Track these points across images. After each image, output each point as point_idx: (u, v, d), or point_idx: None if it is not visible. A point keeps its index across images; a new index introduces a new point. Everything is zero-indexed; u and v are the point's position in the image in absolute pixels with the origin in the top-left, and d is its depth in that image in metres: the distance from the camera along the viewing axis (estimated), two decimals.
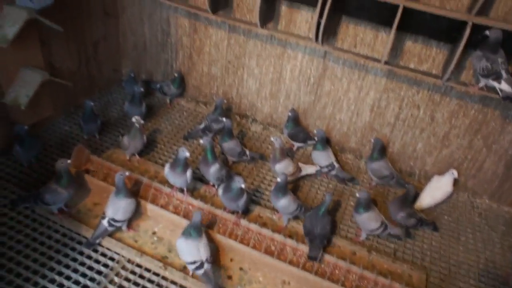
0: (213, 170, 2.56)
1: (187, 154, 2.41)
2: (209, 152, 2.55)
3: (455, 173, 2.88)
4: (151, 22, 3.44)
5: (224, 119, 3.09)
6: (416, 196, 2.83)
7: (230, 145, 2.93)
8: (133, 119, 2.77)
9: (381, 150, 2.92)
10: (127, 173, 2.35)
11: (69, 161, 2.31)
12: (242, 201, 2.40)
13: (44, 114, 3.02)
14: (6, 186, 2.56)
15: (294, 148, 3.26)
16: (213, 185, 2.70)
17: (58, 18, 2.73)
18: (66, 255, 2.22)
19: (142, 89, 3.15)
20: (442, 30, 2.44)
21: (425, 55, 2.72)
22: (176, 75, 3.46)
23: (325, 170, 2.96)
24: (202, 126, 3.20)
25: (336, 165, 2.96)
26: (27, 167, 2.73)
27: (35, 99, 2.73)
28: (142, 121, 2.82)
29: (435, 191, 2.90)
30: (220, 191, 2.46)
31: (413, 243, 2.63)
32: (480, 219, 2.92)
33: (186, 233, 2.13)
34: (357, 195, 2.47)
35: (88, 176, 2.63)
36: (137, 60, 3.74)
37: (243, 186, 2.32)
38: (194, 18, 3.24)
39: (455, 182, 2.95)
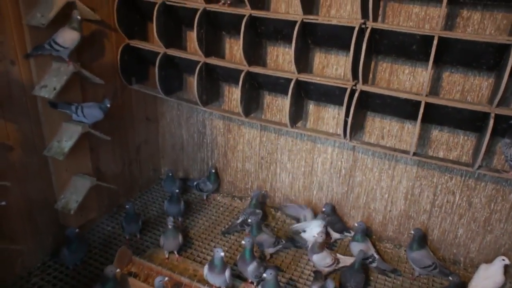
0: (251, 268, 2.57)
1: (222, 254, 2.47)
2: (248, 252, 2.59)
3: (505, 260, 2.75)
4: (188, 125, 3.73)
5: (260, 211, 3.19)
6: (462, 286, 2.70)
7: (262, 238, 2.98)
8: (167, 221, 2.88)
9: (421, 240, 2.86)
10: (166, 278, 2.39)
11: (118, 270, 2.39)
12: None
13: (89, 216, 3.21)
14: None
15: (332, 240, 3.24)
16: (252, 282, 2.69)
17: (106, 128, 3.04)
18: None
19: (178, 190, 3.32)
20: (466, 120, 2.53)
21: (453, 142, 2.80)
22: (212, 171, 3.63)
23: (365, 262, 2.90)
24: (239, 220, 3.29)
25: (377, 256, 2.91)
26: (72, 270, 2.82)
27: (82, 203, 2.93)
28: (173, 223, 2.87)
29: (484, 281, 2.75)
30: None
31: None
32: None
33: None
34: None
35: (131, 279, 2.68)
36: (175, 159, 3.98)
37: (265, 275, 2.35)
38: (228, 119, 3.50)
39: (506, 270, 2.81)
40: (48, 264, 2.87)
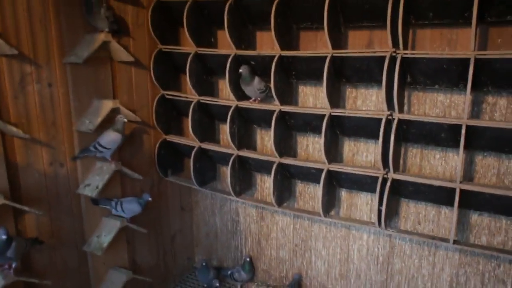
0: None
1: None
2: None
3: None
4: (222, 214, 3.78)
5: None
6: None
7: None
8: None
9: None
10: None
11: None
12: None
13: None
14: None
15: None
16: None
17: (142, 220, 3.13)
18: None
19: (218, 284, 3.29)
20: (506, 206, 2.47)
21: (495, 227, 2.69)
22: (246, 260, 3.59)
23: None
24: None
25: None
26: None
27: None
28: None
29: None
30: None
31: None
32: None
33: None
34: None
35: None
36: (209, 247, 3.98)
37: None
38: (261, 207, 3.54)
39: None
40: None
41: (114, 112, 2.76)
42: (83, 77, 2.65)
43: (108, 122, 2.71)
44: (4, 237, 2.09)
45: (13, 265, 2.24)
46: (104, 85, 2.79)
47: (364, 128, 2.74)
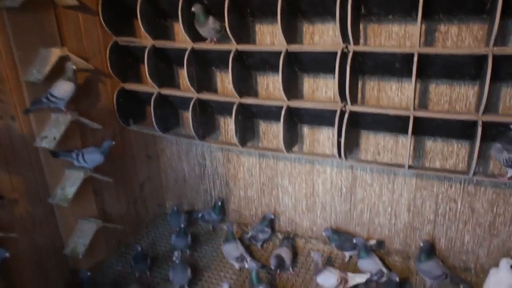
0: None
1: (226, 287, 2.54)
2: (254, 276, 2.63)
3: (509, 261, 2.75)
4: (188, 159, 3.80)
5: (269, 230, 3.40)
6: None
7: (228, 248, 3.17)
8: (174, 256, 2.92)
9: (430, 250, 2.87)
10: None
11: None
12: None
13: (98, 258, 3.25)
14: None
15: (346, 259, 3.25)
16: None
17: (108, 170, 3.11)
18: None
19: (183, 224, 3.40)
20: (456, 130, 2.59)
21: (447, 151, 2.84)
22: (218, 203, 3.67)
23: (375, 277, 2.89)
24: (249, 235, 3.42)
25: (385, 271, 2.91)
26: None
27: (90, 245, 2.98)
28: (180, 257, 2.92)
29: (496, 286, 2.75)
30: None
31: None
32: None
33: None
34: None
35: None
36: (178, 193, 4.04)
37: None
38: (226, 149, 3.57)
39: None
40: None
41: (64, 60, 2.63)
42: (24, 25, 2.47)
43: (58, 72, 2.59)
44: None
45: None
46: (48, 32, 2.63)
47: (322, 63, 2.75)
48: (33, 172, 2.71)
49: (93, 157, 2.83)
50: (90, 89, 3.06)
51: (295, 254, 3.33)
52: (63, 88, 2.58)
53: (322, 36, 2.85)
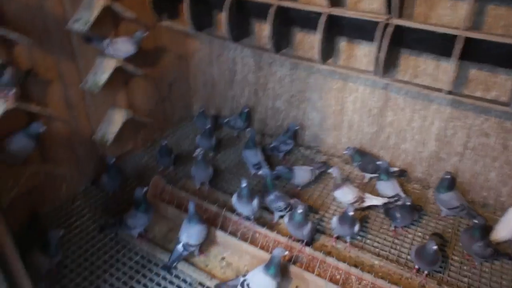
0: (269, 199, 2.71)
1: (245, 184, 2.58)
2: (269, 182, 2.73)
3: None
4: (219, 63, 3.74)
5: (292, 141, 3.42)
6: (489, 228, 2.70)
7: (248, 154, 3.25)
8: (197, 152, 3.00)
9: (451, 182, 2.81)
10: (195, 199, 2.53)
11: (145, 188, 2.55)
12: (306, 230, 2.47)
13: (125, 148, 3.39)
14: (95, 212, 2.89)
15: (365, 180, 3.27)
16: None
17: (139, 63, 3.11)
18: (144, 276, 2.44)
19: (209, 125, 3.45)
20: (509, 56, 2.40)
21: (491, 82, 2.67)
22: (245, 110, 3.67)
23: (392, 200, 2.92)
24: (272, 145, 3.46)
25: (403, 195, 2.92)
26: (112, 195, 3.04)
27: (118, 135, 3.08)
28: (202, 154, 2.99)
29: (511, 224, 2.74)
30: (286, 219, 2.56)
31: (490, 278, 2.49)
32: None
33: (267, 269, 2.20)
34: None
35: (163, 204, 2.87)
36: (206, 97, 4.04)
37: (299, 211, 2.43)
38: (259, 57, 3.48)
39: None
40: (90, 190, 3.11)
41: None
42: None
43: None
44: None
45: (12, 91, 2.28)
46: None
47: None
48: (66, 55, 2.72)
49: (125, 47, 2.81)
50: None
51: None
52: None
53: None
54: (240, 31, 3.15)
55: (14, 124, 2.44)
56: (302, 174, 3.09)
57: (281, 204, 2.71)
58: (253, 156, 3.24)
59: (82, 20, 2.60)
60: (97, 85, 2.82)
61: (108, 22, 2.87)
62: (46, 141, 2.72)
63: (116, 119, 3.08)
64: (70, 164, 2.98)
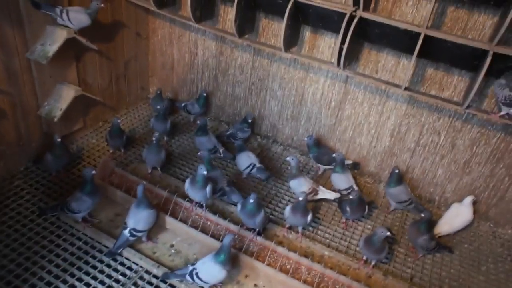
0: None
1: (205, 172, 2.49)
2: (206, 163, 2.70)
3: (470, 198, 2.85)
4: (180, 44, 3.60)
5: (249, 130, 3.40)
6: (433, 222, 2.80)
7: (201, 140, 3.17)
8: (153, 136, 2.88)
9: (400, 177, 2.89)
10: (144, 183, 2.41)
11: (94, 171, 2.40)
12: (259, 219, 2.44)
13: (74, 127, 3.19)
14: (35, 194, 2.69)
15: (320, 171, 3.29)
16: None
17: (94, 38, 2.92)
18: (87, 263, 2.29)
19: (164, 107, 3.34)
20: (464, 58, 2.47)
21: (446, 82, 2.75)
22: (203, 95, 3.56)
23: (345, 194, 2.95)
24: (228, 132, 3.41)
25: (356, 188, 2.97)
26: (54, 176, 2.84)
27: (67, 112, 2.89)
28: (157, 137, 2.88)
29: (454, 218, 2.86)
30: (238, 207, 2.51)
31: (431, 270, 2.59)
32: (503, 249, 2.85)
33: (217, 257, 2.14)
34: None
35: (111, 188, 2.72)
36: (164, 79, 3.89)
37: (251, 200, 2.39)
38: (221, 41, 3.38)
39: (476, 210, 2.92)
40: (31, 169, 2.89)
41: None
42: None
43: None
44: None
45: None
46: None
47: None
48: (11, 22, 2.49)
49: (78, 17, 2.63)
50: None
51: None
52: None
53: None
54: (203, 12, 3.03)
55: None
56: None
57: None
58: (207, 142, 3.16)
59: None
60: (45, 55, 2.60)
61: None
62: None
63: (65, 95, 2.88)
64: (11, 140, 2.76)
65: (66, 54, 2.82)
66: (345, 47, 2.46)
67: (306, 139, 3.19)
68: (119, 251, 2.32)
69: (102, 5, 2.67)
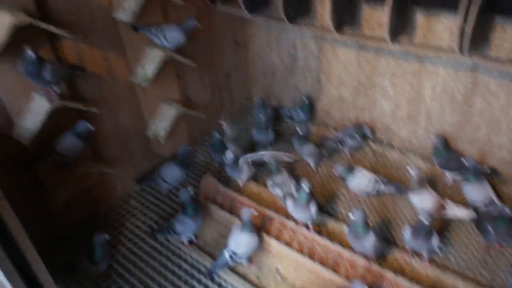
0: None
1: (308, 190, 2.27)
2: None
3: None
4: (279, 48, 3.42)
5: (360, 139, 3.08)
6: None
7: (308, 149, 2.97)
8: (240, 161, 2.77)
9: None
10: (254, 212, 2.27)
11: (191, 191, 2.34)
12: (368, 241, 2.09)
13: (181, 144, 3.23)
14: (147, 213, 2.79)
15: (449, 181, 2.77)
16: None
17: (192, 54, 2.92)
18: (192, 287, 2.26)
19: (263, 119, 3.22)
20: None
21: None
22: (305, 101, 3.34)
23: (483, 209, 2.38)
24: (335, 138, 3.12)
25: (497, 201, 2.38)
26: (165, 196, 2.91)
27: (172, 130, 2.93)
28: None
29: None
30: (346, 230, 2.20)
31: None
32: None
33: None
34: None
35: (215, 207, 2.66)
36: (266, 86, 3.76)
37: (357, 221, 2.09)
38: (321, 39, 3.10)
39: None
40: (147, 190, 3.00)
41: None
42: None
43: None
44: (33, 55, 1.98)
45: (54, 89, 2.20)
46: None
47: None
48: (113, 47, 2.60)
49: (174, 35, 2.62)
50: None
51: None
52: None
53: None
54: (297, 10, 2.82)
55: (64, 123, 2.35)
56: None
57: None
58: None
59: (128, 9, 2.44)
60: (146, 78, 2.67)
61: (157, 10, 2.69)
62: (97, 139, 2.65)
63: (167, 114, 2.93)
64: (124, 163, 2.90)
65: (167, 74, 2.87)
66: (468, 27, 1.97)
67: (434, 139, 2.74)
68: (216, 270, 2.25)
69: (196, 22, 2.63)
